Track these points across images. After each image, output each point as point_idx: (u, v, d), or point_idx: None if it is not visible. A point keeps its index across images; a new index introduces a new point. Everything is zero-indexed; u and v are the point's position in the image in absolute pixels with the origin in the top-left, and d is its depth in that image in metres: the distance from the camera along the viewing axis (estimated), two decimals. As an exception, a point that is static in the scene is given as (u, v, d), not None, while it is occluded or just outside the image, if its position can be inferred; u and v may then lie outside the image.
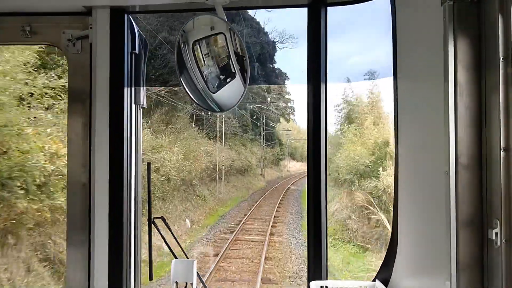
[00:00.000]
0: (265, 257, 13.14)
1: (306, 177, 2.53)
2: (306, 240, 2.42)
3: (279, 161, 44.90)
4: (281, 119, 44.47)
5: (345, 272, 13.13)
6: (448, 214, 1.61)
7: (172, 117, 21.30)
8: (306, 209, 2.41)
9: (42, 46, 8.29)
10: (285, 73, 35.05)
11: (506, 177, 1.50)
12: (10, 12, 2.42)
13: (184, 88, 2.23)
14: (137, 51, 2.54)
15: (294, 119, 48.91)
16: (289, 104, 45.05)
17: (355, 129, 21.19)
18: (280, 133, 46.41)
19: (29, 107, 8.78)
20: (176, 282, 2.37)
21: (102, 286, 2.36)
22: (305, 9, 2.40)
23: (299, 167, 50.23)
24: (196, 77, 2.22)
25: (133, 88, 2.53)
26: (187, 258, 2.49)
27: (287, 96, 42.97)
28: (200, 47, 2.23)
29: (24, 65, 8.34)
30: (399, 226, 2.27)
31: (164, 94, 20.04)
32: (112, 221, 2.38)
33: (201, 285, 2.58)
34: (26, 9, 2.41)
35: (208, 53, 2.23)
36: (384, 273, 2.33)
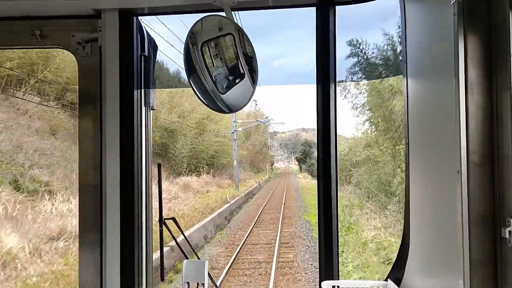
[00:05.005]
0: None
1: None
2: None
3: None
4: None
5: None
6: (460, 212, 1.60)
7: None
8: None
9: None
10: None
11: None
12: (21, 16, 2.45)
13: (193, 89, 2.23)
14: (146, 53, 2.56)
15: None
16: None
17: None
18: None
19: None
20: (188, 283, 2.38)
21: (114, 286, 2.38)
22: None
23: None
24: (205, 78, 2.23)
25: (142, 90, 2.55)
26: (198, 258, 2.50)
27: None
28: (208, 48, 2.23)
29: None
30: (411, 225, 2.25)
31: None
32: (123, 222, 2.40)
33: (213, 285, 2.59)
34: (36, 13, 2.44)
35: (217, 54, 2.23)
36: (397, 273, 2.32)
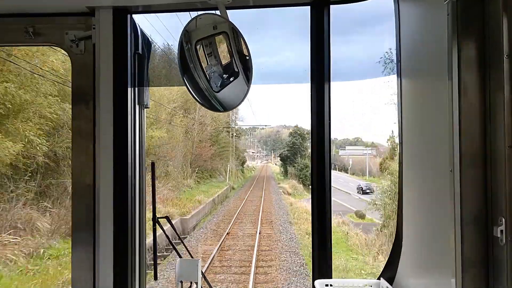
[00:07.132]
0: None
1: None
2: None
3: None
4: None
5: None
6: (452, 211, 1.61)
7: None
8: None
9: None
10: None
11: (511, 174, 1.49)
12: (13, 13, 2.42)
13: (188, 88, 2.23)
14: (140, 51, 2.54)
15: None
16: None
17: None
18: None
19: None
20: (181, 282, 2.38)
21: (107, 286, 2.37)
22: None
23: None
24: (199, 77, 2.22)
25: (136, 88, 2.53)
26: (192, 257, 2.50)
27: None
28: (203, 46, 2.23)
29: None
30: (404, 224, 2.26)
31: None
32: (116, 221, 2.39)
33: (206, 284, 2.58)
34: (29, 10, 2.42)
35: (211, 53, 2.23)
36: (389, 271, 2.33)
